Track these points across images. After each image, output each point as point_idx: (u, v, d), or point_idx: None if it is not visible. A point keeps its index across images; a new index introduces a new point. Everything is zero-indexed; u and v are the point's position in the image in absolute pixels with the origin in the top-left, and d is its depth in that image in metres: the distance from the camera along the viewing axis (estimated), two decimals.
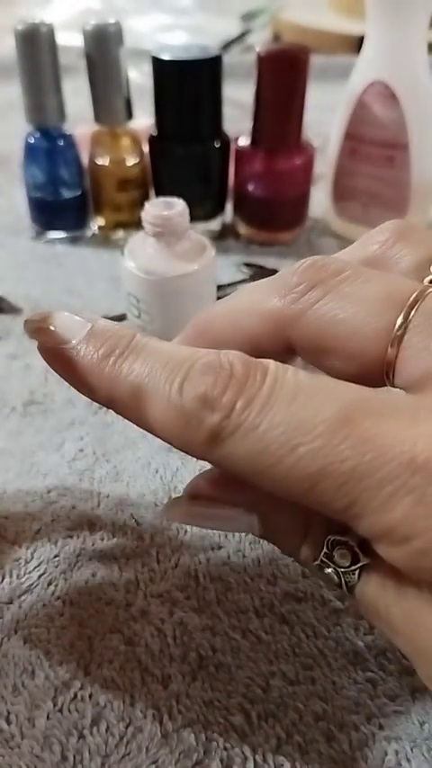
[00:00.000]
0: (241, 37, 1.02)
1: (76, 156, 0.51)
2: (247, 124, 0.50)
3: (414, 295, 0.18)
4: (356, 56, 0.50)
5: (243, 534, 0.31)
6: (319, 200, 0.56)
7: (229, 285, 0.47)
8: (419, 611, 0.16)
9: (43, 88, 0.48)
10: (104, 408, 0.37)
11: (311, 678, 0.25)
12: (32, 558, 0.30)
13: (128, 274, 0.39)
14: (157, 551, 0.30)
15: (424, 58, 0.48)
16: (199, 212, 0.48)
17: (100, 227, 0.55)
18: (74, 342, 0.20)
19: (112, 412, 0.20)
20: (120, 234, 0.54)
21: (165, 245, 0.38)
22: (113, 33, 0.47)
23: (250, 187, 0.52)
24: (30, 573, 0.29)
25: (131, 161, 0.51)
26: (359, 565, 0.18)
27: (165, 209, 0.38)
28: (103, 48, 0.47)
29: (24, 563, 0.29)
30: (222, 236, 0.55)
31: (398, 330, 0.18)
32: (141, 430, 0.19)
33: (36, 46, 0.46)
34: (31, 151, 0.51)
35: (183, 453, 0.25)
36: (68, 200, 0.53)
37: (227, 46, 0.97)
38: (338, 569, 0.18)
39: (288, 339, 0.20)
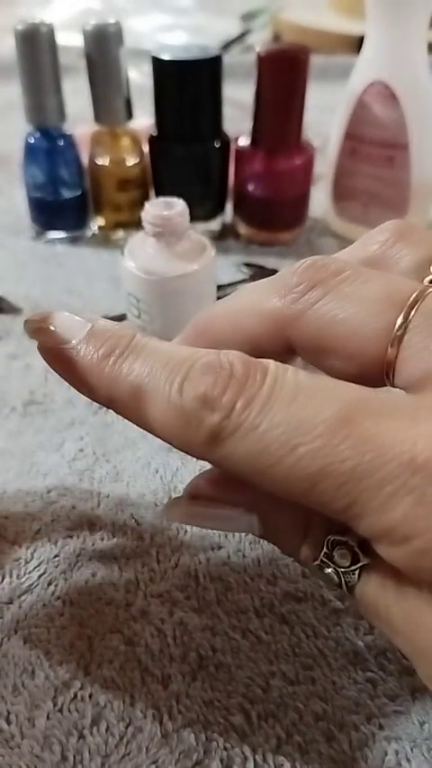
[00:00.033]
0: (241, 37, 1.02)
1: (76, 156, 0.51)
2: (247, 124, 0.50)
3: (414, 295, 0.18)
4: (356, 56, 0.50)
5: (243, 534, 0.31)
6: (319, 201, 0.56)
7: (229, 285, 0.47)
8: (419, 611, 0.16)
9: (43, 88, 0.48)
10: (104, 408, 0.37)
11: (311, 678, 0.25)
12: (32, 558, 0.30)
13: (128, 274, 0.39)
14: (157, 551, 0.30)
15: (424, 58, 0.48)
16: (199, 212, 0.48)
17: (100, 227, 0.55)
18: (74, 342, 0.20)
19: (112, 412, 0.20)
20: (120, 234, 0.54)
21: (165, 245, 0.38)
22: (113, 33, 0.47)
23: (250, 187, 0.52)
24: (30, 573, 0.29)
25: (131, 161, 0.51)
26: (359, 565, 0.18)
27: (165, 209, 0.38)
28: (103, 48, 0.47)
29: (24, 563, 0.29)
30: (222, 236, 0.55)
31: (398, 330, 0.18)
32: (141, 430, 0.19)
33: (36, 46, 0.46)
34: (31, 151, 0.51)
35: (183, 453, 0.25)
36: (68, 200, 0.53)
37: (227, 46, 0.97)
38: (338, 569, 0.18)
39: (288, 339, 0.20)
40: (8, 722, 0.24)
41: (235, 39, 1.01)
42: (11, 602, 0.28)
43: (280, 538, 0.21)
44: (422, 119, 0.48)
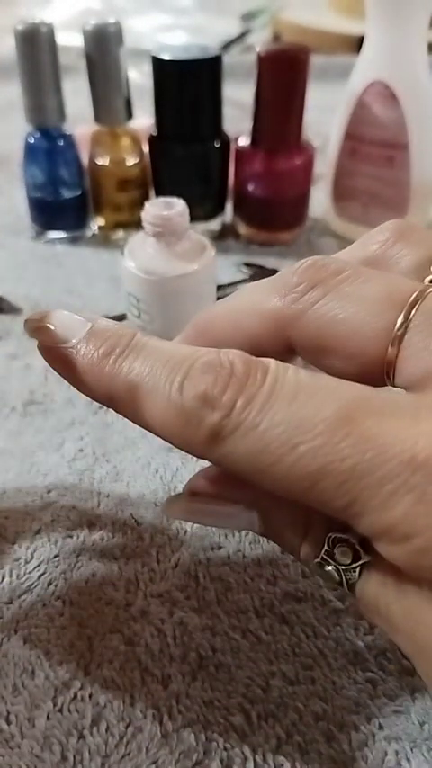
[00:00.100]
0: (241, 37, 1.02)
1: (76, 156, 0.51)
2: (247, 124, 0.50)
3: (414, 295, 0.18)
4: (356, 56, 0.50)
5: (243, 534, 0.31)
6: (319, 201, 0.56)
7: (229, 285, 0.47)
8: (419, 608, 0.16)
9: (43, 88, 0.48)
10: (104, 408, 0.37)
11: (311, 678, 0.25)
12: (32, 558, 0.30)
13: (128, 274, 0.39)
14: (157, 551, 0.30)
15: (424, 58, 0.48)
16: (199, 212, 0.48)
17: (100, 227, 0.55)
18: (74, 341, 0.20)
19: (112, 412, 0.20)
20: (120, 234, 0.54)
21: (165, 245, 0.38)
22: (113, 33, 0.47)
23: (250, 187, 0.52)
24: (30, 573, 0.29)
25: (131, 161, 0.51)
26: (360, 562, 0.18)
27: (165, 209, 0.38)
28: (103, 48, 0.47)
29: (24, 563, 0.29)
30: (222, 236, 0.55)
31: (398, 330, 0.18)
32: (141, 430, 0.19)
33: (36, 46, 0.46)
34: (31, 151, 0.51)
35: (183, 453, 0.25)
36: (68, 200, 0.53)
37: (227, 46, 0.97)
38: (339, 567, 0.18)
39: (288, 339, 0.20)
40: (8, 722, 0.24)
41: (235, 39, 1.01)
42: (11, 602, 0.28)
43: (280, 535, 0.21)
44: (422, 119, 0.48)
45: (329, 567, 0.19)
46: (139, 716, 0.24)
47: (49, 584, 0.29)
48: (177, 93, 0.48)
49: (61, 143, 0.50)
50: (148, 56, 0.47)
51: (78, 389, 0.20)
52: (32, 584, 0.29)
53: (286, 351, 0.20)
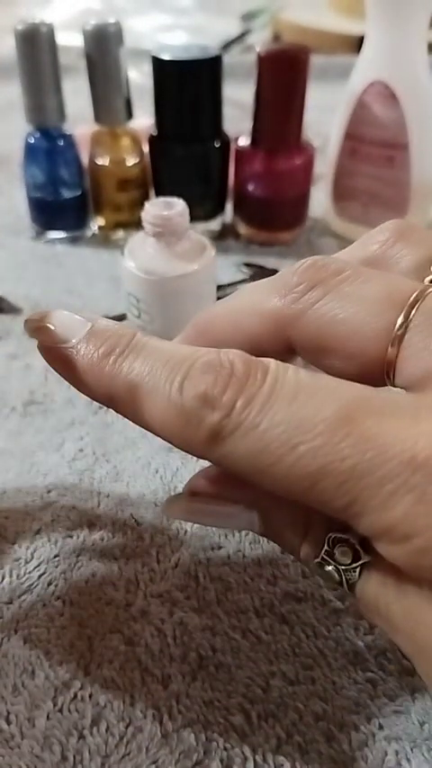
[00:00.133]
0: (241, 37, 1.02)
1: (76, 156, 0.51)
2: (247, 124, 0.50)
3: (414, 295, 0.18)
4: (356, 56, 0.50)
5: (243, 534, 0.31)
6: (319, 200, 0.56)
7: (229, 285, 0.47)
8: (419, 608, 0.16)
9: (43, 88, 0.48)
10: (104, 408, 0.37)
11: (311, 678, 0.25)
12: (32, 558, 0.30)
13: (128, 274, 0.39)
14: (157, 551, 0.30)
15: (424, 58, 0.48)
16: (199, 212, 0.48)
17: (100, 227, 0.55)
18: (74, 341, 0.20)
19: (112, 412, 0.20)
20: (120, 234, 0.54)
21: (165, 245, 0.38)
22: (113, 33, 0.47)
23: (250, 187, 0.52)
24: (30, 573, 0.29)
25: (131, 161, 0.51)
26: (360, 562, 0.18)
27: (165, 209, 0.38)
28: (103, 48, 0.47)
29: (24, 563, 0.29)
30: (222, 236, 0.55)
31: (398, 330, 0.18)
32: (141, 430, 0.19)
33: (36, 46, 0.46)
34: (31, 151, 0.51)
35: (183, 453, 0.25)
36: (68, 200, 0.53)
37: (227, 46, 0.97)
38: (339, 567, 0.18)
39: (288, 339, 0.20)
40: (8, 722, 0.24)
41: (235, 39, 1.01)
42: (11, 602, 0.28)
43: (280, 535, 0.21)
44: (422, 119, 0.48)
45: (329, 567, 0.19)
46: (139, 716, 0.24)
47: (49, 584, 0.29)
48: (177, 93, 0.48)
49: (61, 143, 0.50)
50: (148, 56, 0.47)
51: (78, 389, 0.20)
52: (32, 584, 0.29)
53: (286, 351, 0.20)
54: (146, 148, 0.52)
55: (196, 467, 0.34)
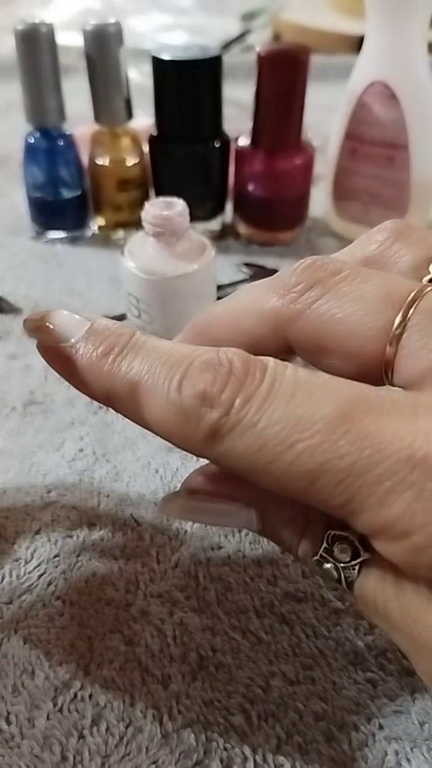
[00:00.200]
0: (241, 37, 1.02)
1: (76, 156, 0.51)
2: (247, 124, 0.50)
3: (412, 294, 0.18)
4: (356, 56, 0.50)
5: (243, 534, 0.30)
6: (319, 200, 0.56)
7: (229, 285, 0.47)
8: (417, 606, 0.16)
9: (43, 88, 0.48)
10: (104, 408, 0.37)
11: (311, 678, 0.25)
12: (32, 558, 0.30)
13: (128, 274, 0.39)
14: (157, 551, 0.30)
15: (424, 58, 0.48)
16: (199, 212, 0.48)
17: (100, 227, 0.55)
18: (73, 340, 0.20)
19: (112, 412, 0.20)
20: (120, 234, 0.54)
21: (165, 245, 0.38)
22: (113, 33, 0.47)
23: (250, 187, 0.52)
24: (30, 573, 0.29)
25: (131, 161, 0.51)
26: (359, 560, 0.18)
27: (165, 209, 0.38)
28: (103, 48, 0.47)
29: (24, 563, 0.29)
30: (222, 236, 0.55)
31: (396, 329, 0.18)
32: (141, 430, 0.19)
33: (36, 46, 0.46)
34: (31, 151, 0.51)
35: (183, 453, 0.25)
36: (68, 200, 0.53)
37: (227, 46, 0.97)
38: (338, 564, 0.18)
39: (287, 339, 0.20)
40: (8, 722, 0.24)
41: (235, 39, 1.01)
42: (11, 602, 0.28)
43: (278, 533, 0.21)
44: (422, 119, 0.48)
45: (328, 565, 0.18)
46: (139, 716, 0.24)
47: (49, 584, 0.29)
48: (177, 93, 0.48)
49: (61, 143, 0.50)
50: (148, 56, 0.47)
51: (77, 388, 0.20)
52: (32, 585, 0.29)
53: (285, 350, 0.20)
54: (146, 148, 0.52)
55: (196, 466, 0.34)
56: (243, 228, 0.54)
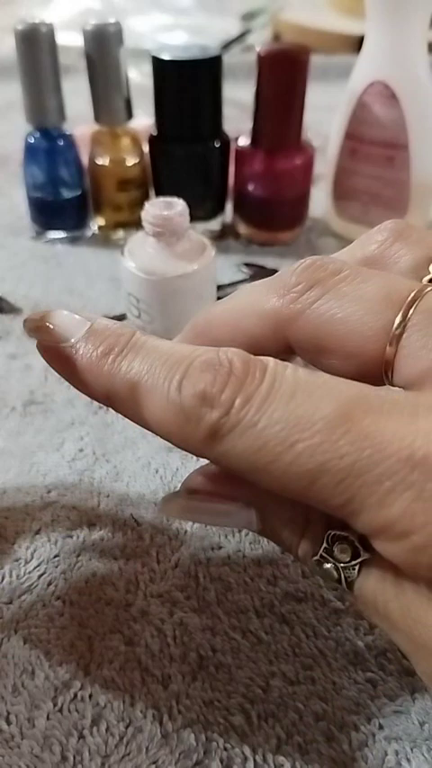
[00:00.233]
0: (241, 37, 1.02)
1: (76, 156, 0.51)
2: (247, 124, 0.50)
3: (412, 294, 0.18)
4: (356, 56, 0.50)
5: (243, 534, 0.30)
6: (319, 200, 0.56)
7: (229, 285, 0.47)
8: (417, 606, 0.16)
9: (43, 88, 0.48)
10: (104, 408, 0.37)
11: (311, 678, 0.25)
12: (32, 558, 0.30)
13: (128, 274, 0.39)
14: (157, 551, 0.30)
15: (424, 58, 0.48)
16: (199, 212, 0.48)
17: (100, 227, 0.55)
18: (73, 340, 0.20)
19: (112, 412, 0.20)
20: (120, 234, 0.54)
21: (165, 245, 0.38)
22: (113, 33, 0.47)
23: (250, 187, 0.52)
24: (30, 573, 0.29)
25: (131, 161, 0.51)
26: (359, 560, 0.18)
27: (165, 209, 0.38)
28: (103, 48, 0.47)
29: (24, 563, 0.29)
30: (222, 236, 0.55)
31: (396, 329, 0.18)
32: (141, 430, 0.19)
33: (36, 46, 0.46)
34: (31, 151, 0.51)
35: (183, 453, 0.25)
36: (68, 200, 0.53)
37: (227, 46, 0.97)
38: (338, 564, 0.18)
39: (287, 339, 0.20)
40: (8, 722, 0.24)
41: (235, 39, 1.01)
42: (11, 602, 0.28)
43: (278, 533, 0.21)
44: (422, 119, 0.48)
45: (328, 565, 0.18)
46: (139, 716, 0.24)
47: (49, 584, 0.29)
48: (177, 93, 0.48)
49: (61, 143, 0.50)
50: (148, 56, 0.47)
51: (77, 388, 0.20)
52: (32, 585, 0.29)
53: (285, 351, 0.20)
54: (146, 148, 0.52)
55: (196, 466, 0.34)
56: (243, 228, 0.54)
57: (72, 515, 0.32)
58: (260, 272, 0.49)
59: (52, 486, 0.33)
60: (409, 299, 0.18)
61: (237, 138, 0.52)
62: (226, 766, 0.23)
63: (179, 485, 0.33)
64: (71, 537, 0.31)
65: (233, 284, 0.48)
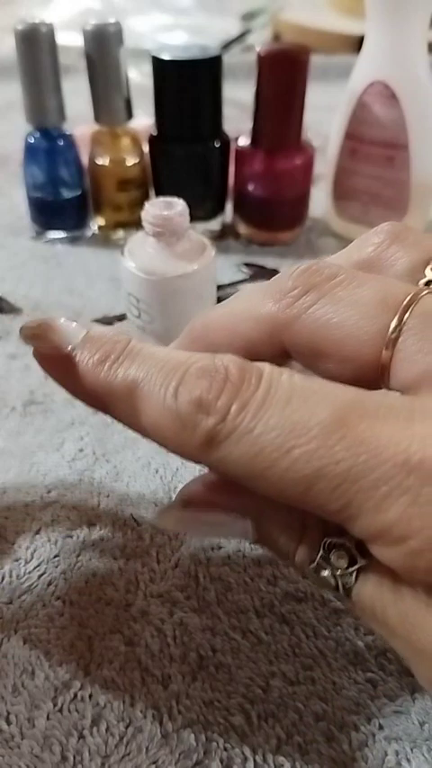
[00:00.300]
0: (241, 37, 1.02)
1: (76, 156, 0.52)
2: (247, 124, 0.50)
3: (408, 298, 0.18)
4: (356, 56, 0.50)
5: None
6: (319, 200, 0.56)
7: (229, 285, 0.47)
8: (416, 612, 0.16)
9: (43, 88, 0.48)
10: None
11: (311, 678, 0.25)
12: (32, 558, 0.30)
13: (128, 274, 0.39)
14: (157, 551, 0.30)
15: (424, 58, 0.48)
16: (199, 212, 0.48)
17: (100, 227, 0.55)
18: (69, 347, 0.20)
19: None
20: (120, 234, 0.54)
21: (165, 245, 0.38)
22: (113, 33, 0.47)
23: (250, 187, 0.52)
24: (30, 573, 0.29)
25: (131, 161, 0.51)
26: (356, 566, 0.18)
27: (165, 209, 0.38)
28: (103, 48, 0.47)
29: (24, 563, 0.29)
30: (222, 236, 0.55)
31: (392, 333, 0.18)
32: None
33: (36, 46, 0.46)
34: (31, 151, 0.51)
35: None
36: (68, 200, 0.53)
37: (227, 46, 0.97)
38: (335, 571, 0.18)
39: (283, 343, 0.20)
40: (8, 722, 0.24)
41: (235, 39, 1.01)
42: (11, 602, 0.28)
43: (275, 541, 0.20)
44: (422, 119, 0.48)
45: (325, 573, 0.18)
46: (139, 716, 0.24)
47: (49, 584, 0.29)
48: (177, 93, 0.48)
49: (61, 143, 0.50)
50: (148, 56, 0.47)
51: (74, 395, 0.20)
52: (32, 585, 0.29)
53: (282, 355, 0.20)
54: (146, 148, 0.52)
55: (196, 467, 0.34)
56: (243, 228, 0.54)
57: (72, 515, 0.32)
58: (260, 272, 0.49)
59: (52, 486, 0.33)
60: (405, 302, 0.18)
61: (237, 138, 0.52)
62: (226, 766, 0.23)
63: (179, 485, 0.33)
64: (71, 537, 0.31)
65: (233, 284, 0.48)
